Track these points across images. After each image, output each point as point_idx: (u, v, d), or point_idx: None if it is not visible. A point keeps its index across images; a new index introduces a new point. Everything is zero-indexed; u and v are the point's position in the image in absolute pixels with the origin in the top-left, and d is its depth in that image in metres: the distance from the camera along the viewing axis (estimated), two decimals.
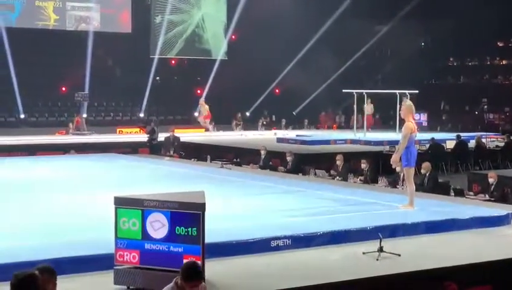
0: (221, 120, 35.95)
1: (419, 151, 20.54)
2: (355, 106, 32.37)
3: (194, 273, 6.27)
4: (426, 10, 39.41)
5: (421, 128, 24.59)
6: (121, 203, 8.45)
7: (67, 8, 37.83)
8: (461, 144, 27.30)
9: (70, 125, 32.31)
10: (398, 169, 16.60)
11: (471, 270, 9.67)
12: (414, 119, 13.47)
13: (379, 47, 43.97)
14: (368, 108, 33.81)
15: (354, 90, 31.85)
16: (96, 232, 10.44)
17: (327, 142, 29.22)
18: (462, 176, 23.32)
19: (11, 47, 34.62)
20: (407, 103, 13.75)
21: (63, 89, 37.78)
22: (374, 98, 34.02)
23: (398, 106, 27.82)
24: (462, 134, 29.25)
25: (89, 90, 34.84)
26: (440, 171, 24.46)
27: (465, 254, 10.34)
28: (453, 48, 43.10)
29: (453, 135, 28.93)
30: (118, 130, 34.06)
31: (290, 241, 10.49)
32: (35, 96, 35.86)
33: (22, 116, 35.99)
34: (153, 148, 26.68)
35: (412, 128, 12.98)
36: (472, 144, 27.80)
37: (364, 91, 32.17)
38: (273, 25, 38.84)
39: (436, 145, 26.56)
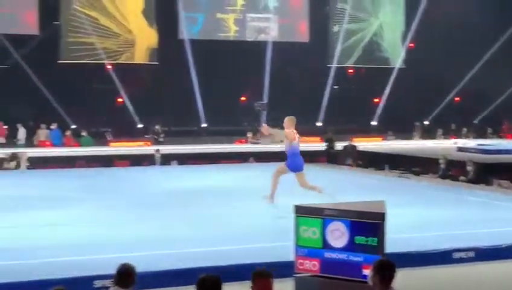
0: (398, 129, 35.41)
1: None
2: None
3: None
4: None
5: None
6: (302, 211, 8.46)
7: (247, 20, 38.69)
8: None
9: (249, 134, 32.93)
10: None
11: None
12: None
13: None
14: None
15: None
16: (270, 240, 10.55)
17: (511, 151, 28.00)
18: None
19: (194, 58, 35.88)
20: None
21: (243, 98, 38.61)
22: None
23: None
24: None
25: (268, 99, 35.34)
26: None
27: None
28: None
29: None
30: None
31: (473, 254, 10.13)
32: (216, 106, 36.87)
33: (204, 125, 37.10)
34: (330, 157, 26.67)
35: None
36: None
37: None
38: (453, 28, 37.84)
39: None
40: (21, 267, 9.66)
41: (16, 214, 14.32)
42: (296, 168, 14.98)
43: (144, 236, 11.84)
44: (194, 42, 36.35)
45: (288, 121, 15.06)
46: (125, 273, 6.17)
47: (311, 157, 27.61)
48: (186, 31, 36.54)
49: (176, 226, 12.88)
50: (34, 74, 32.69)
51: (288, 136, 14.89)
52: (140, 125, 35.26)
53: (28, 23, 33.99)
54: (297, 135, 15.12)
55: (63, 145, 29.92)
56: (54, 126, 30.59)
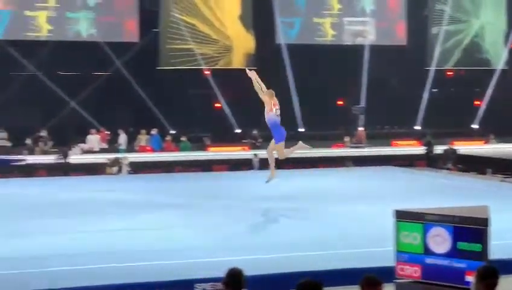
0: (501, 132, 34.52)
1: None
2: None
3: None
4: None
5: None
6: (402, 216, 8.35)
7: (344, 24, 38.50)
8: None
9: (346, 138, 32.77)
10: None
11: None
12: None
13: None
14: None
15: None
16: (367, 245, 10.45)
17: None
18: None
19: (290, 63, 35.94)
20: None
21: (340, 102, 38.43)
22: None
23: None
24: None
25: (365, 103, 35.08)
26: None
27: None
28: None
29: None
30: (393, 142, 33.96)
31: None
32: (313, 110, 36.79)
33: (301, 129, 37.08)
34: (430, 161, 26.24)
35: None
36: None
37: None
38: None
39: None
40: (120, 271, 9.86)
41: (116, 218, 14.64)
42: (281, 138, 15.91)
43: (244, 240, 11.92)
44: (290, 47, 36.42)
45: (268, 93, 16.07)
46: (235, 277, 6.19)
47: (410, 160, 27.30)
48: (283, 36, 36.66)
49: (273, 230, 12.93)
50: (134, 81, 33.42)
51: (265, 101, 15.97)
52: (238, 130, 35.53)
53: (129, 31, 34.82)
54: (276, 107, 15.99)
55: (162, 150, 30.47)
56: (154, 131, 31.19)
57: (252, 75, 16.57)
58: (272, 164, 16.05)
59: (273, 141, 16.04)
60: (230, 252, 10.61)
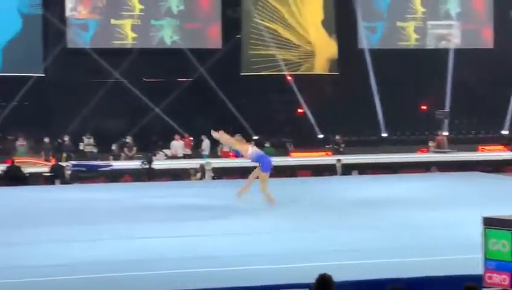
0: None
1: None
2: None
3: None
4: None
5: None
6: (491, 223, 8.18)
7: (428, 27, 38.00)
8: None
9: (430, 143, 32.33)
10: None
11: None
12: None
13: None
14: None
15: None
16: (458, 252, 10.28)
17: None
18: None
19: (373, 67, 35.67)
20: None
21: (424, 107, 37.92)
22: None
23: None
24: None
25: (450, 108, 34.53)
26: None
27: None
28: None
29: None
30: (479, 147, 33.32)
31: None
32: (396, 115, 36.42)
33: (384, 134, 36.77)
34: None
35: None
36: None
37: None
38: None
39: None
40: (208, 275, 9.95)
41: (200, 223, 14.78)
42: (267, 168, 16.90)
43: (328, 245, 11.89)
44: (373, 51, 36.14)
45: (237, 141, 18.60)
46: (325, 283, 6.16)
47: (497, 166, 26.72)
48: (366, 41, 36.42)
49: (358, 235, 12.84)
50: (217, 87, 33.71)
51: (240, 148, 17.77)
52: (320, 136, 35.44)
53: (212, 37, 35.19)
54: (251, 146, 17.81)
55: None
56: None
57: (216, 135, 18.08)
58: (249, 183, 17.33)
59: (259, 167, 17.03)
60: (318, 258, 10.59)
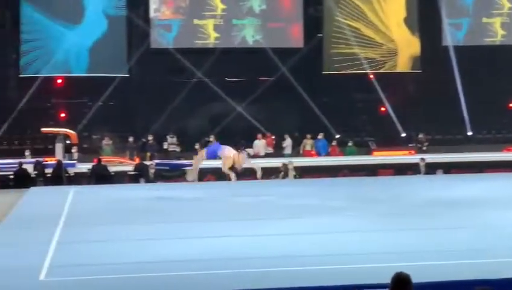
0: None
1: None
2: None
3: None
4: None
5: None
6: None
7: None
8: None
9: None
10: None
11: None
12: None
13: None
14: None
15: None
16: None
17: None
18: None
19: (458, 65, 35.02)
20: None
21: (511, 105, 37.06)
22: None
23: None
24: None
25: None
26: None
27: None
28: None
29: None
30: None
31: None
32: (482, 113, 35.71)
33: (469, 133, 36.07)
34: None
35: None
36: None
37: None
38: None
39: None
40: (288, 274, 9.94)
41: (283, 222, 14.82)
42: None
43: (411, 245, 11.75)
44: (458, 49, 35.49)
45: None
46: (402, 283, 6.01)
47: None
48: (450, 38, 35.77)
49: (440, 236, 12.65)
50: (299, 86, 33.68)
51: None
52: (403, 134, 35.02)
53: (294, 36, 35.19)
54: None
55: (328, 155, 30.50)
56: (320, 136, 31.28)
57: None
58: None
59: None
60: (395, 258, 10.47)
